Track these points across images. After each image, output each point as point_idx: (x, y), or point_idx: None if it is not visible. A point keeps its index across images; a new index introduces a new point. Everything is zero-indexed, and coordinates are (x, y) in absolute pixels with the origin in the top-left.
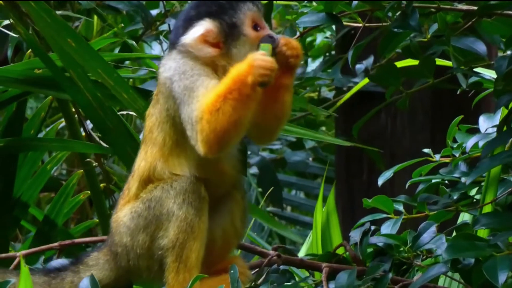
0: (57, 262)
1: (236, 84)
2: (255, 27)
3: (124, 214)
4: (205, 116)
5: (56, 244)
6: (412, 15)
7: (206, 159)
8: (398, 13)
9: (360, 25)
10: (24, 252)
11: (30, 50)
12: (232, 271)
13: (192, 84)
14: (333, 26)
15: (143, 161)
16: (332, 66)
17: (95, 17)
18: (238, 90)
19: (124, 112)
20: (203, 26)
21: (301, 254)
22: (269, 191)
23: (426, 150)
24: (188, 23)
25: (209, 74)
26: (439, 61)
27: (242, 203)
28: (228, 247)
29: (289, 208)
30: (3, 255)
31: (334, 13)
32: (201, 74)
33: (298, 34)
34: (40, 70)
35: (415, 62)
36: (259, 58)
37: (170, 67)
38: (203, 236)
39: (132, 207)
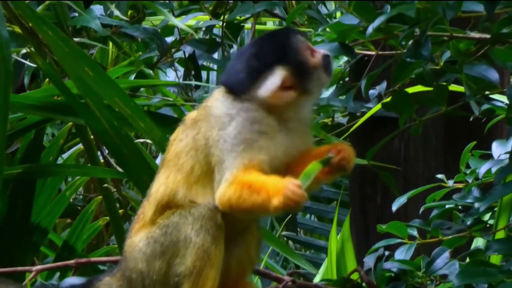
0: (71, 280)
1: (263, 194)
2: (312, 54)
3: (139, 239)
4: (231, 189)
5: (72, 261)
6: (425, 44)
7: None
8: (410, 42)
9: (373, 53)
10: (39, 267)
11: None
12: None
13: (248, 140)
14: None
15: (162, 186)
16: (346, 93)
17: (110, 44)
18: (262, 200)
19: (142, 140)
20: (279, 76)
21: (317, 278)
22: (287, 219)
23: (439, 176)
24: (256, 75)
25: (269, 132)
26: (452, 87)
27: (257, 233)
28: (242, 276)
29: (302, 231)
30: (20, 268)
31: (347, 42)
32: (262, 134)
33: None
34: (59, 97)
35: (427, 88)
36: (290, 189)
37: (234, 106)
38: (219, 263)
39: (148, 233)
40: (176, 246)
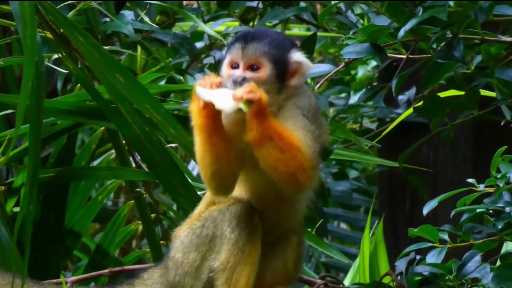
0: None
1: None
2: (234, 66)
3: (183, 230)
4: None
5: (106, 270)
6: (457, 46)
7: (262, 191)
8: (442, 44)
9: (403, 56)
10: (74, 278)
11: None
12: None
13: None
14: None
15: None
16: (375, 96)
17: (139, 50)
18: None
19: (173, 145)
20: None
21: (347, 282)
22: (318, 224)
23: (470, 180)
24: None
25: None
26: (483, 92)
27: (298, 248)
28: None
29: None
30: (54, 280)
31: (378, 43)
32: None
33: (342, 64)
34: (91, 102)
35: (458, 92)
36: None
37: None
38: (254, 262)
39: (191, 224)
40: (213, 241)
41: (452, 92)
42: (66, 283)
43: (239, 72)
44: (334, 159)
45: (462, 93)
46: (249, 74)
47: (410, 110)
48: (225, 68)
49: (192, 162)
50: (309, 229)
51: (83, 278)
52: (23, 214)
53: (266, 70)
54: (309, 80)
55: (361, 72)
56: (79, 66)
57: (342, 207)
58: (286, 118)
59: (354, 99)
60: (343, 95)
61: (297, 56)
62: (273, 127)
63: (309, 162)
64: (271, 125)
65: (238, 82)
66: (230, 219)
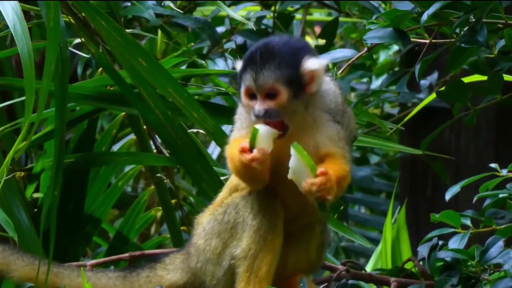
0: None
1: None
2: (250, 95)
3: (206, 216)
4: None
5: (126, 255)
6: (481, 31)
7: (284, 184)
8: (465, 29)
9: (426, 41)
10: (93, 262)
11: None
12: (301, 284)
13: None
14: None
15: None
16: (397, 81)
17: (159, 35)
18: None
19: (194, 130)
20: None
21: (369, 268)
22: (340, 209)
23: (493, 165)
24: None
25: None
26: (507, 77)
27: (321, 237)
28: (297, 275)
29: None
30: (74, 263)
31: (401, 28)
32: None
33: (365, 49)
34: (112, 87)
35: (481, 77)
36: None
37: None
38: (276, 250)
39: (213, 211)
40: (234, 228)
41: (475, 77)
42: (85, 266)
43: (258, 105)
44: (356, 145)
45: (485, 77)
46: (268, 103)
47: (433, 95)
48: (243, 97)
49: (211, 146)
50: (331, 214)
51: (102, 262)
52: (49, 201)
53: (283, 95)
54: (330, 66)
55: (382, 57)
56: (101, 50)
57: (363, 191)
58: (319, 129)
59: (375, 83)
60: (364, 80)
61: (309, 64)
62: (336, 184)
63: (350, 173)
64: (337, 187)
65: (261, 116)
66: (252, 206)
